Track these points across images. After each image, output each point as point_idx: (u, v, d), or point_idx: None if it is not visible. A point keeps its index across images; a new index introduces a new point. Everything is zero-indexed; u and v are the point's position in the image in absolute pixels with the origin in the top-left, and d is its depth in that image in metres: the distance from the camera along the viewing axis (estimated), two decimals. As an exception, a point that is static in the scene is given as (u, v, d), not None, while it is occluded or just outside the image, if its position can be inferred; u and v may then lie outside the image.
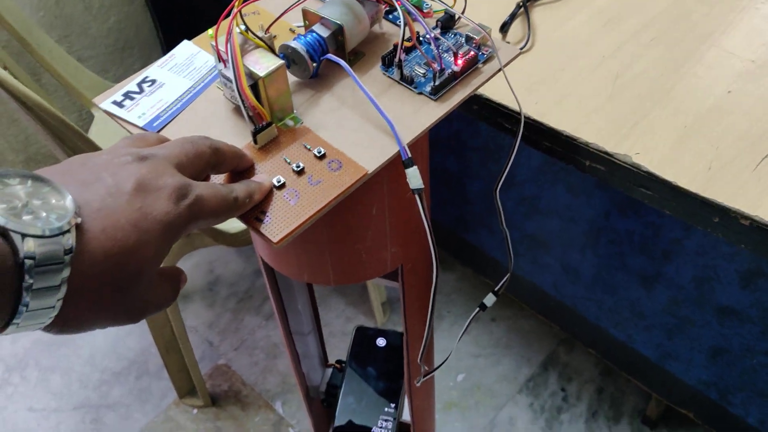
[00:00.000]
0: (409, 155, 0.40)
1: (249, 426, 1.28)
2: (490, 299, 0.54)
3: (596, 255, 1.07)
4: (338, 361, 0.77)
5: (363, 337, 0.76)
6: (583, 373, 1.30)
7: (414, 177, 0.40)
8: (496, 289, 0.54)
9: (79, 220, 0.29)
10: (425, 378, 0.59)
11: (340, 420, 0.71)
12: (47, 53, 1.11)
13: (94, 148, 0.85)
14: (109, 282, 0.30)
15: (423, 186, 0.40)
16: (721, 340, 0.97)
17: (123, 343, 1.42)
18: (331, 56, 0.43)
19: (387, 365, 0.74)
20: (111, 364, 1.38)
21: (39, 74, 1.46)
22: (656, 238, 0.94)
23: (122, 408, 1.31)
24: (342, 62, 0.41)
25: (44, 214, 0.28)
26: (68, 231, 0.28)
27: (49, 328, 0.30)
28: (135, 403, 1.32)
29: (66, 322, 0.30)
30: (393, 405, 0.71)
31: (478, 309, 0.55)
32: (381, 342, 0.75)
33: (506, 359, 1.33)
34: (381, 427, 0.70)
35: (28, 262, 0.27)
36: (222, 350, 1.39)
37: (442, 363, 0.58)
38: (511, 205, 1.14)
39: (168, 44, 1.66)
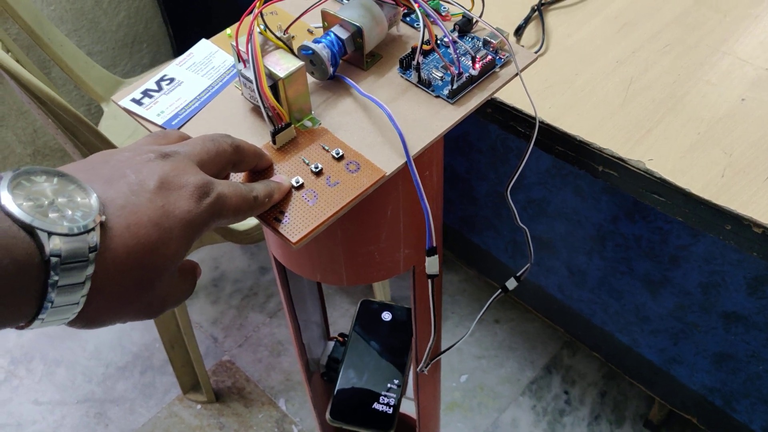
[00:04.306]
0: (434, 244, 0.39)
1: (252, 422, 1.28)
2: (511, 283, 0.55)
3: (602, 259, 1.07)
4: (341, 334, 0.75)
5: (368, 310, 0.74)
6: (587, 377, 1.30)
7: (432, 265, 0.39)
8: (518, 274, 0.55)
9: (103, 218, 0.29)
10: (434, 360, 0.59)
11: (340, 388, 0.68)
12: (58, 47, 1.12)
13: (106, 142, 0.85)
14: (132, 278, 0.30)
15: (438, 273, 0.39)
16: (727, 346, 0.97)
17: (128, 337, 1.42)
18: (363, 92, 0.41)
19: (392, 340, 0.71)
20: (116, 359, 1.39)
21: (48, 68, 1.46)
22: (663, 243, 0.94)
23: (126, 402, 1.32)
24: (357, 87, 0.41)
25: (69, 212, 0.28)
26: (93, 229, 0.28)
27: (72, 323, 0.30)
28: (139, 397, 1.33)
29: (89, 317, 0.30)
30: (396, 381, 0.68)
31: (500, 291, 0.55)
32: (386, 316, 0.73)
33: (510, 361, 1.33)
34: (383, 403, 0.67)
35: (53, 259, 0.27)
36: (226, 346, 1.39)
37: (458, 341, 0.57)
38: (518, 207, 1.14)
39: (177, 40, 1.66)
